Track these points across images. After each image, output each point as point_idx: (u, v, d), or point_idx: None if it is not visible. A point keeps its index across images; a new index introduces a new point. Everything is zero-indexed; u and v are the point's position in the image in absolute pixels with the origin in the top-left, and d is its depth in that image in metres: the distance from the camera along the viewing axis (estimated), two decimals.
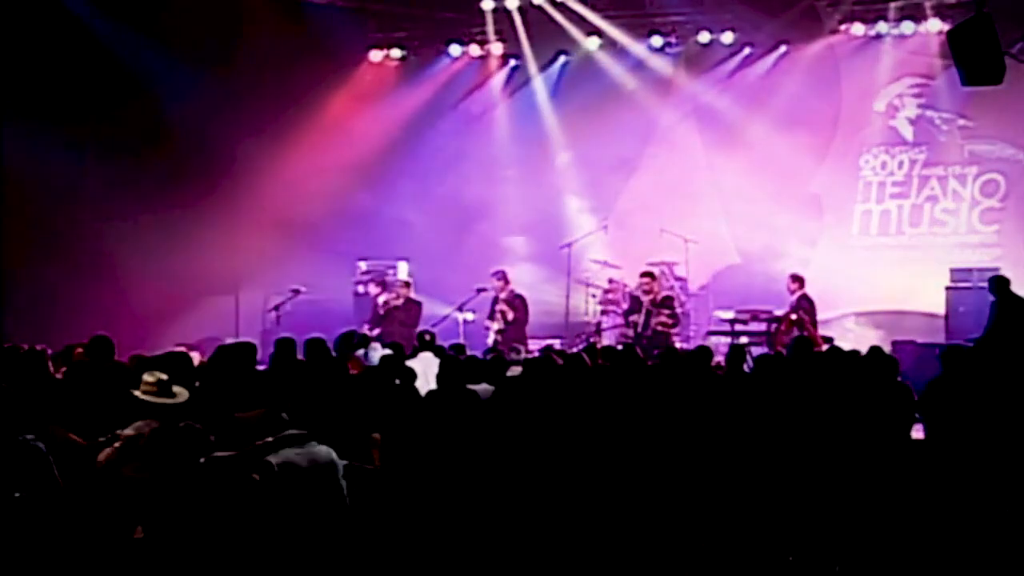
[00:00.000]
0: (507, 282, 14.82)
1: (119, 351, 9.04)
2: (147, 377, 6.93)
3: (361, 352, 10.73)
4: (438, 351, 10.68)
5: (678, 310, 14.95)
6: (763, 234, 16.93)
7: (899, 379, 8.39)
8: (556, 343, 14.51)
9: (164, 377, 6.95)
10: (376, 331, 14.21)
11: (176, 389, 6.96)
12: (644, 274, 14.84)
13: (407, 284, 15.15)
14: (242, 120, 16.43)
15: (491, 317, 14.66)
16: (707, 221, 17.14)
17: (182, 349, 9.97)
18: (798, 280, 14.70)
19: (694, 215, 17.00)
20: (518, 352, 10.54)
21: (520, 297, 14.78)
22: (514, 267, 16.20)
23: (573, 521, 6.70)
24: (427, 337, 11.27)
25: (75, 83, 15.82)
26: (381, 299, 15.07)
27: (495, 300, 14.74)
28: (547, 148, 17.92)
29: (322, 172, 16.90)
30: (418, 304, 14.95)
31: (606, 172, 17.68)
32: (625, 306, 15.38)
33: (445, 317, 14.97)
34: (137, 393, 6.83)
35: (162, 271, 16.16)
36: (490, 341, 14.09)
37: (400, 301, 14.85)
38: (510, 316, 14.51)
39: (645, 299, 14.58)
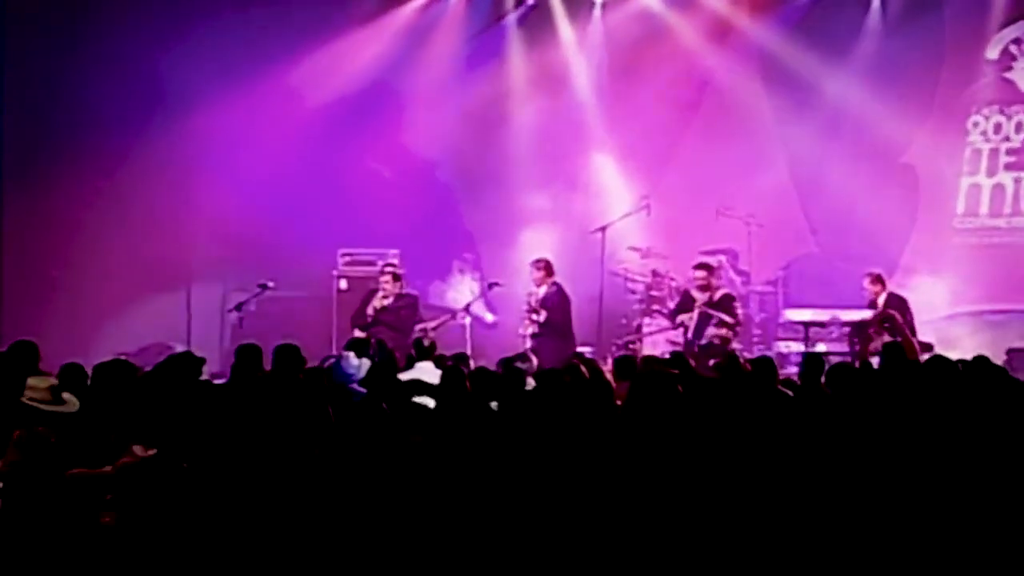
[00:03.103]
0: (549, 273, 14.84)
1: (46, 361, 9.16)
2: (36, 382, 7.74)
3: (332, 360, 10.76)
4: (439, 361, 10.72)
5: (739, 311, 14.96)
6: (845, 215, 16.90)
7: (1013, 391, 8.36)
8: (587, 350, 14.51)
9: (55, 382, 7.88)
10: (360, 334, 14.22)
11: (66, 396, 7.77)
12: (699, 266, 14.89)
13: (397, 277, 15.11)
14: (193, 71, 16.47)
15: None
16: (775, 199, 17.13)
17: (123, 359, 10.02)
18: (878, 281, 14.68)
19: (758, 192, 17.00)
20: (525, 361, 10.56)
21: (557, 294, 14.75)
22: (533, 257, 16.20)
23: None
24: (425, 343, 11.29)
25: None
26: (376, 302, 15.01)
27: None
28: (574, 109, 17.88)
29: (292, 136, 16.91)
30: (412, 300, 14.93)
31: (647, 138, 17.63)
32: (672, 304, 15.39)
33: (452, 317, 15.03)
34: (24, 400, 7.57)
35: (96, 262, 16.22)
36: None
37: (388, 300, 14.85)
38: (542, 317, 14.53)
39: (700, 298, 14.60)
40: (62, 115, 16.47)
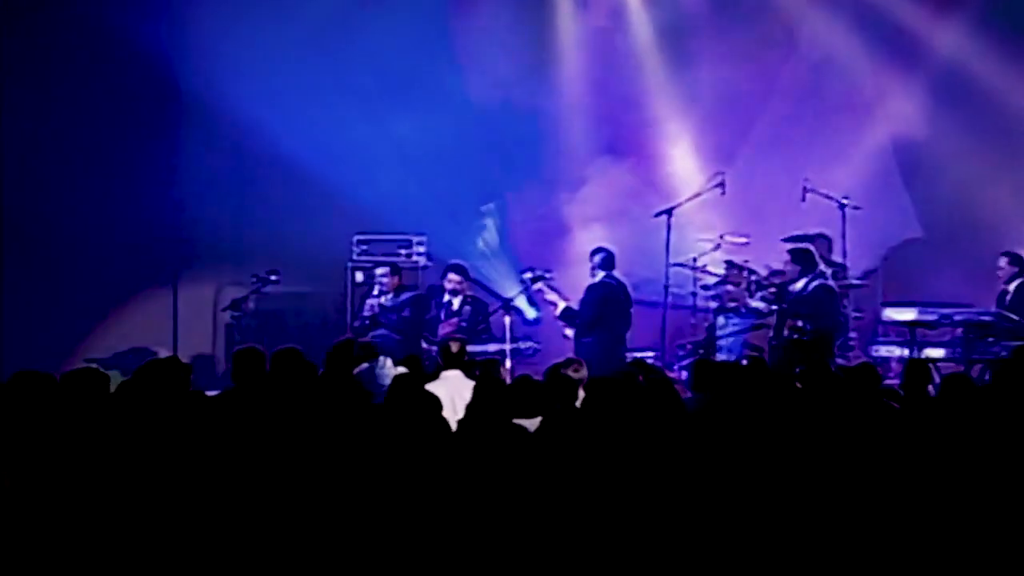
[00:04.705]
0: (604, 267, 15.03)
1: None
2: None
3: (364, 367, 10.76)
4: (469, 369, 10.71)
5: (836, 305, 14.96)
6: (958, 196, 16.79)
7: None
8: (648, 356, 14.46)
9: None
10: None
11: None
12: (789, 250, 14.82)
13: (396, 270, 15.21)
14: (185, 24, 16.53)
15: None
16: (873, 176, 17.14)
17: (94, 367, 9.98)
18: (1016, 262, 14.63)
19: (855, 168, 17.01)
20: (578, 369, 10.49)
21: (596, 287, 14.71)
22: (586, 245, 16.12)
23: None
24: (454, 349, 11.23)
25: None
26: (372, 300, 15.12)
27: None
28: (635, 67, 17.84)
29: (299, 100, 16.96)
30: (416, 299, 15.03)
31: (723, 105, 17.63)
32: (750, 301, 15.31)
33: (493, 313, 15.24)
34: None
35: (73, 252, 16.25)
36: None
37: (388, 298, 14.95)
38: (558, 311, 14.83)
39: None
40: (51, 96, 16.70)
